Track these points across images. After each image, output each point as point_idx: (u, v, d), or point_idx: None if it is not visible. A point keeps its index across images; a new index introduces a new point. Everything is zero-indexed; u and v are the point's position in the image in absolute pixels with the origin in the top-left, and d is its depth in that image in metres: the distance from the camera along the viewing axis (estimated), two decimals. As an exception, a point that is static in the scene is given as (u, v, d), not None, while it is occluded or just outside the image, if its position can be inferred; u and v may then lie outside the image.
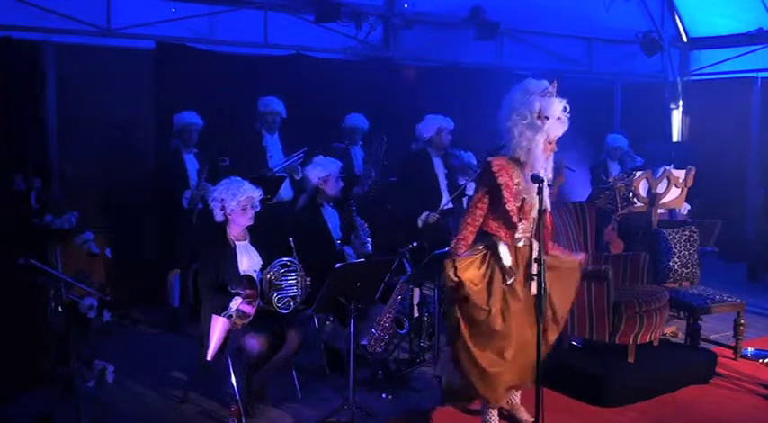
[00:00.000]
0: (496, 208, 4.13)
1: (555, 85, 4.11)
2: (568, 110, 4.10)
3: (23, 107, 6.58)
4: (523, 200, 4.08)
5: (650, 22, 10.21)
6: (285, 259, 4.80)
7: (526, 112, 4.04)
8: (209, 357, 4.55)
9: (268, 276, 4.73)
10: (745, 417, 4.87)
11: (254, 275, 4.78)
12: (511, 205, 4.07)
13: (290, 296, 4.77)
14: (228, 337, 4.56)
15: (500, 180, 4.07)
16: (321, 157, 5.83)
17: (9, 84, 6.45)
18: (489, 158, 4.17)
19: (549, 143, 4.09)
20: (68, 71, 6.83)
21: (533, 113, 4.03)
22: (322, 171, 5.63)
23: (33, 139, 6.54)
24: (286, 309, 4.75)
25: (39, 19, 6.66)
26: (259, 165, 6.97)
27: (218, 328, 4.49)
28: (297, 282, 4.80)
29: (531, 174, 4.02)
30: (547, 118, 4.03)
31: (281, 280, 4.75)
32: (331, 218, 5.70)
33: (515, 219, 4.09)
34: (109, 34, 7.05)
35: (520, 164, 4.12)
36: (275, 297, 4.71)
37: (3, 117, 6.35)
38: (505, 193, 4.07)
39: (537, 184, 3.90)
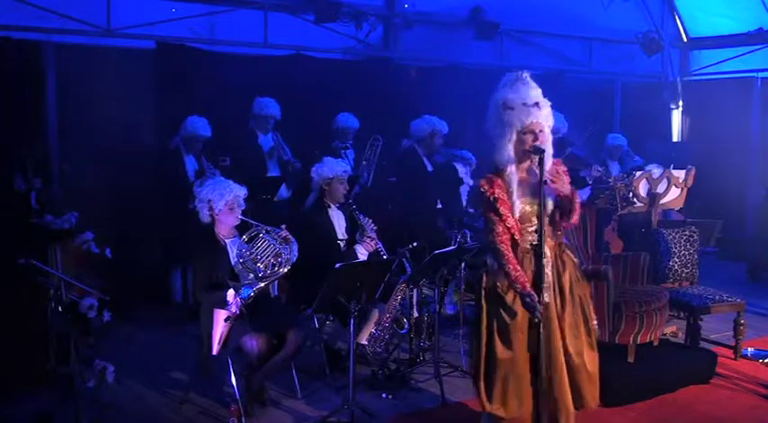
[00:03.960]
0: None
1: (524, 74, 3.78)
2: (540, 95, 3.74)
3: (23, 107, 6.58)
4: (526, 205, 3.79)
5: (650, 22, 10.21)
6: (244, 237, 4.77)
7: (493, 109, 3.78)
8: (214, 351, 4.56)
9: (242, 261, 4.71)
10: (745, 417, 4.86)
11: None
12: (511, 222, 3.76)
13: (271, 255, 4.71)
14: (231, 330, 4.57)
15: (494, 196, 3.75)
16: (330, 158, 5.81)
17: (9, 84, 6.45)
18: (480, 180, 3.88)
19: (526, 133, 3.71)
20: (68, 71, 6.83)
21: (499, 107, 3.75)
22: (326, 172, 5.62)
23: (33, 139, 6.54)
24: (282, 267, 4.71)
25: (38, 19, 6.65)
26: (259, 164, 6.99)
27: (219, 321, 4.51)
28: (268, 241, 4.74)
29: (532, 146, 3.67)
30: (511, 108, 3.70)
31: (254, 251, 4.71)
32: (338, 219, 5.70)
33: (518, 235, 3.80)
34: (109, 34, 7.05)
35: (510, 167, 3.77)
36: (261, 268, 4.68)
37: (3, 117, 6.35)
38: (502, 209, 3.75)
39: (537, 157, 3.60)
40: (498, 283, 3.86)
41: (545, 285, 3.72)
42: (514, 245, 3.81)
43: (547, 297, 3.77)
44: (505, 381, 3.87)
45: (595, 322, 4.07)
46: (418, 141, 7.05)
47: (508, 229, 3.77)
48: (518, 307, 3.80)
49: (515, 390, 3.87)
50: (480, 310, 3.93)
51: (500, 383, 3.87)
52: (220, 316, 4.52)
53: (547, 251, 3.76)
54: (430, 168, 7.04)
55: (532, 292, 3.68)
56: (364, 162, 7.37)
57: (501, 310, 3.86)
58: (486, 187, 3.80)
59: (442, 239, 6.17)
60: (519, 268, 3.76)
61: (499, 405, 3.89)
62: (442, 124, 7.03)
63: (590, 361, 3.94)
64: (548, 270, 3.80)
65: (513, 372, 3.86)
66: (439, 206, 6.94)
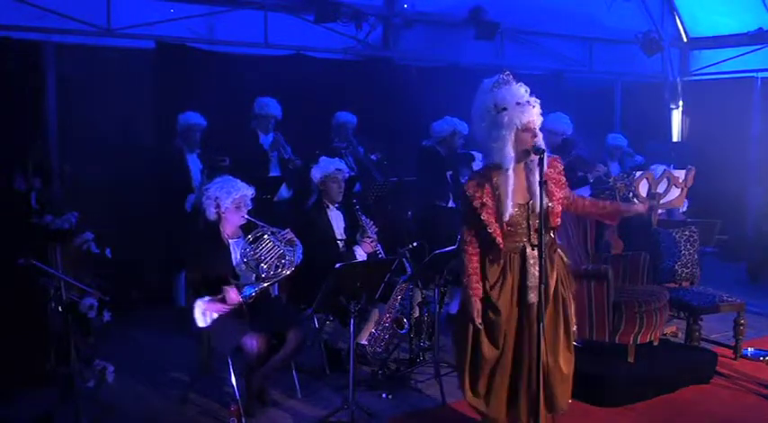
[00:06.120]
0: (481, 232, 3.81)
1: (507, 74, 3.79)
2: (529, 92, 3.74)
3: (23, 107, 6.58)
4: (520, 205, 3.78)
5: (650, 22, 10.21)
6: (249, 237, 4.79)
7: (484, 113, 3.74)
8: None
9: (245, 260, 4.72)
10: (745, 416, 4.86)
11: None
12: (493, 227, 3.76)
13: (275, 257, 4.73)
14: (230, 330, 4.61)
15: (475, 203, 3.76)
16: (325, 158, 5.81)
17: (9, 84, 6.45)
18: (466, 181, 3.90)
19: (525, 131, 3.69)
20: (68, 71, 6.83)
21: (490, 111, 3.71)
22: (320, 172, 5.63)
23: (33, 139, 6.54)
24: (286, 269, 4.74)
25: (38, 19, 6.66)
26: (260, 164, 6.98)
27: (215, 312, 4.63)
28: (273, 242, 4.76)
29: (533, 145, 3.66)
30: (505, 109, 3.68)
31: (258, 251, 4.72)
32: (336, 219, 5.70)
33: (500, 239, 3.78)
34: (109, 34, 7.06)
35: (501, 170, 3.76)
36: (264, 269, 4.69)
37: (3, 117, 6.35)
38: (485, 216, 3.76)
39: (538, 157, 3.59)
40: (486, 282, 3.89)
41: (531, 285, 3.77)
42: (496, 248, 3.81)
43: (533, 297, 3.80)
44: (491, 378, 3.92)
45: (575, 328, 4.10)
46: (439, 141, 7.04)
47: (489, 234, 3.77)
48: (502, 305, 3.83)
49: (498, 389, 3.91)
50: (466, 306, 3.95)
51: (485, 380, 3.93)
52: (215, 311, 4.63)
53: (534, 251, 3.78)
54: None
55: (477, 305, 3.81)
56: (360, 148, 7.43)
57: (486, 308, 3.88)
58: (471, 191, 3.80)
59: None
60: (477, 278, 3.84)
61: (482, 400, 3.95)
62: (462, 125, 7.00)
63: (565, 362, 3.97)
64: (534, 270, 3.79)
65: (499, 371, 3.90)
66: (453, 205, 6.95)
